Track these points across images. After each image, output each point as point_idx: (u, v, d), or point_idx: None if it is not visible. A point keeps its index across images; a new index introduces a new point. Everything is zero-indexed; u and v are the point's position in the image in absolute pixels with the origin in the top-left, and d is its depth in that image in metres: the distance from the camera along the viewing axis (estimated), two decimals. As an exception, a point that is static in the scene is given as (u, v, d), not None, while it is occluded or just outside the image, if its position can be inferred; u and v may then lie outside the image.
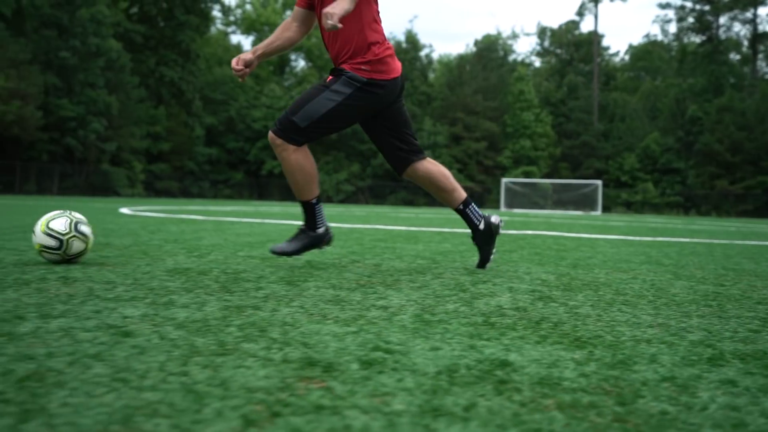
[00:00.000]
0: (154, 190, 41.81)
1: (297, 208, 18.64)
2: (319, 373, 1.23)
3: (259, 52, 3.02)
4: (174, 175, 43.92)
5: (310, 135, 2.81)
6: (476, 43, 51.59)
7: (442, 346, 1.47)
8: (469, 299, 2.20)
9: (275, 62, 56.04)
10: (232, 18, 56.09)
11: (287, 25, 3.06)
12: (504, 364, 1.33)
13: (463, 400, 1.09)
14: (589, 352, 1.47)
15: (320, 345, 1.45)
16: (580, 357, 1.42)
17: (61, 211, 2.83)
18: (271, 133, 2.83)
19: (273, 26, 55.09)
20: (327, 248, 3.14)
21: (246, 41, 59.33)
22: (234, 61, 2.97)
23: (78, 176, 36.65)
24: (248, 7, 55.98)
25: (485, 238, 3.12)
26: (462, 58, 49.71)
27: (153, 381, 1.14)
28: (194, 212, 11.50)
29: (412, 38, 46.70)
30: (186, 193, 43.67)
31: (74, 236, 2.74)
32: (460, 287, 2.50)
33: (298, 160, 2.82)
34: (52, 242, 2.71)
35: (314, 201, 2.97)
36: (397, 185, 44.14)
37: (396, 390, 1.13)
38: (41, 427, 0.91)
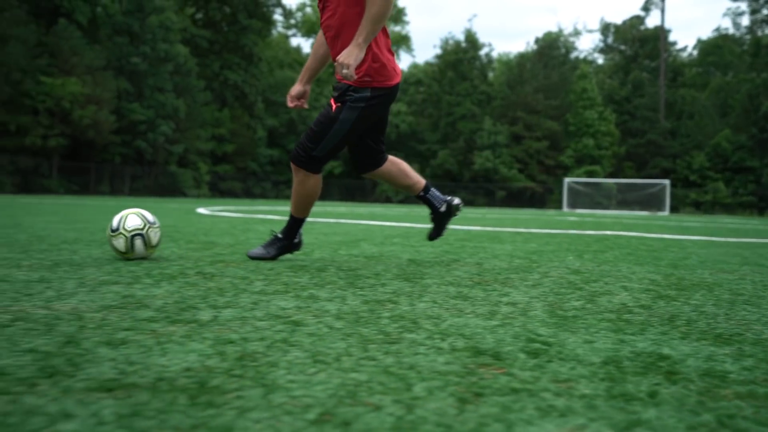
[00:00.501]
0: (218, 190, 42.98)
1: (364, 208, 18.87)
2: (492, 360, 1.33)
3: (305, 79, 3.17)
4: (237, 176, 45.04)
5: (327, 160, 2.99)
6: (537, 40, 50.89)
7: (593, 339, 1.55)
8: (589, 297, 2.26)
9: (331, 63, 56.60)
10: (292, 21, 57.07)
11: (321, 41, 3.12)
12: (662, 357, 1.40)
13: (644, 387, 1.17)
14: (738, 349, 1.52)
15: (477, 336, 1.55)
16: (732, 352, 1.47)
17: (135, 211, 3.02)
18: (293, 164, 2.99)
19: (333, 28, 55.70)
20: (296, 253, 3.35)
21: (306, 43, 60.20)
22: (289, 101, 3.15)
23: (147, 177, 38.03)
24: (308, 9, 56.81)
25: (441, 220, 3.35)
26: (522, 57, 49.13)
27: (350, 364, 1.26)
28: (266, 212, 11.82)
29: (471, 37, 46.44)
30: (249, 194, 44.70)
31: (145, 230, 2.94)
32: (574, 285, 2.56)
33: (315, 185, 3.04)
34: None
35: (303, 220, 3.17)
36: (456, 185, 43.96)
37: (575, 377, 1.22)
38: (284, 398, 1.04)
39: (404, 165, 3.24)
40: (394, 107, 45.32)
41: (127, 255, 2.90)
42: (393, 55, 2.99)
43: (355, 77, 2.71)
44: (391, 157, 3.21)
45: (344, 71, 2.64)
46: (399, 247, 4.25)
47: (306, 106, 3.16)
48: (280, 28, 56.33)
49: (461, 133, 44.15)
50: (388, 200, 43.74)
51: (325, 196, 47.23)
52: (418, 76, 48.40)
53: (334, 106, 2.91)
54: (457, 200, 3.35)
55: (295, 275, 2.59)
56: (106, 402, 0.99)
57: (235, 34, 44.99)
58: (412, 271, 2.85)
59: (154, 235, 2.97)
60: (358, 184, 47.22)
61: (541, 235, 6.33)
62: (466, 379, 1.18)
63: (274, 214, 10.96)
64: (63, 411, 0.95)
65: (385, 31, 2.94)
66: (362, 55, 2.68)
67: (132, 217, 2.93)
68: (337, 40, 2.86)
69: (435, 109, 45.90)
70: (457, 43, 46.62)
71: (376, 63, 2.84)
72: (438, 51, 48.86)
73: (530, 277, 2.80)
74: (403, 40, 58.35)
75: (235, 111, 44.59)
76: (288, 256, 3.33)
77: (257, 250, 3.16)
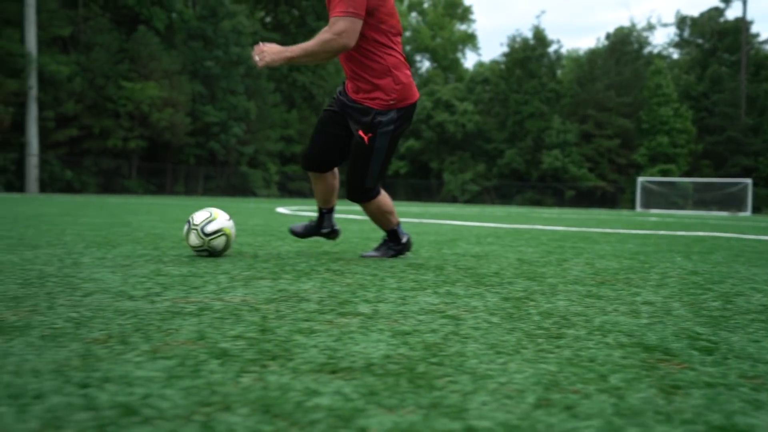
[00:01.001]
0: (286, 190, 43.89)
1: (435, 208, 18.88)
2: (666, 356, 1.36)
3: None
4: (305, 176, 45.77)
5: (378, 183, 3.10)
6: (608, 36, 49.55)
7: (758, 339, 1.56)
8: (725, 298, 2.24)
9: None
10: (359, 22, 57.54)
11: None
12: (838, 356, 1.40)
13: (842, 385, 1.18)
14: None
15: (636, 333, 1.59)
16: None
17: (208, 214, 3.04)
18: (355, 201, 3.13)
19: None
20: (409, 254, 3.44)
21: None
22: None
23: (220, 178, 39.22)
24: (374, 11, 57.18)
25: (313, 233, 3.43)
26: (593, 53, 47.95)
27: (531, 355, 1.33)
28: (345, 212, 12.02)
29: (539, 34, 45.71)
30: (316, 193, 45.37)
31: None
32: (700, 286, 2.54)
33: (379, 202, 3.16)
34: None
35: (395, 226, 3.29)
36: (523, 185, 43.40)
37: (762, 373, 1.25)
38: (494, 384, 1.11)
39: (337, 184, 3.32)
40: (461, 106, 45.13)
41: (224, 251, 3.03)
42: (409, 70, 3.02)
43: (259, 67, 2.78)
44: (336, 173, 3.27)
45: (257, 58, 2.76)
46: (498, 246, 4.28)
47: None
48: (346, 30, 56.93)
49: (529, 132, 43.51)
50: (454, 200, 43.61)
51: (393, 196, 47.51)
52: (485, 74, 47.97)
53: (365, 138, 2.94)
54: (337, 227, 3.45)
55: (419, 273, 2.68)
56: (337, 382, 1.09)
57: (303, 36, 45.73)
58: (529, 271, 2.89)
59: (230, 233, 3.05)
60: (424, 184, 47.28)
61: (632, 236, 6.23)
62: (653, 373, 1.23)
63: (354, 213, 11.14)
64: (308, 388, 1.05)
65: (400, 50, 2.95)
66: (280, 62, 2.75)
67: (221, 216, 3.03)
68: (347, 62, 2.94)
69: (502, 107, 45.41)
70: (525, 40, 45.96)
71: (398, 85, 2.90)
72: (505, 49, 48.18)
73: (650, 277, 2.80)
74: (469, 39, 58.01)
75: (303, 112, 45.42)
76: (407, 256, 3.41)
77: (372, 253, 3.34)
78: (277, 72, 44.14)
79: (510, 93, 44.73)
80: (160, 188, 35.74)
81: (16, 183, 28.06)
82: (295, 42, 46.17)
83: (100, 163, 32.23)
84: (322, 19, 46.66)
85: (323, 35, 2.75)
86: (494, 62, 50.31)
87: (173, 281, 2.19)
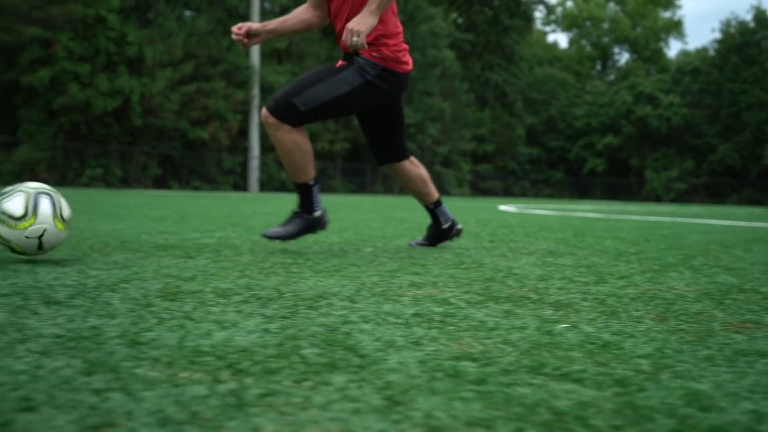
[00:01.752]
0: (478, 189, 44.09)
1: (634, 206, 17.88)
2: None
3: (269, 27, 2.83)
4: (497, 175, 45.73)
5: (307, 119, 2.64)
6: None
7: None
8: None
9: (597, 56, 54.54)
10: (552, 17, 56.14)
11: (305, 9, 2.87)
12: None
13: None
14: None
15: None
16: None
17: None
18: (264, 111, 2.64)
19: (596, 20, 53.69)
20: (321, 232, 2.89)
21: (562, 38, 58.74)
22: (236, 27, 2.77)
23: (415, 177, 40.52)
24: (569, 3, 55.38)
25: (440, 236, 3.16)
26: (827, 33, 42.11)
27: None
28: (551, 209, 11.85)
29: (761, 15, 41.16)
30: (508, 192, 45.09)
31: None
32: None
33: (295, 140, 2.65)
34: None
35: (311, 183, 2.77)
36: (740, 182, 39.39)
37: None
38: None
39: (426, 172, 3.08)
40: (665, 99, 42.11)
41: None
42: (406, 46, 2.76)
43: (366, 46, 2.48)
44: (414, 159, 3.02)
45: (354, 38, 2.43)
46: None
47: (247, 46, 2.79)
48: (538, 25, 55.84)
49: (747, 125, 39.38)
50: (657, 198, 40.81)
51: (588, 195, 45.65)
52: (693, 63, 44.26)
53: (338, 63, 2.67)
54: (460, 226, 3.19)
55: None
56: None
57: (496, 35, 45.70)
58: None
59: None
60: (623, 182, 44.82)
61: None
62: None
63: (553, 210, 10.95)
64: None
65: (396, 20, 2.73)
66: (375, 22, 2.46)
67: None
68: (344, 11, 2.68)
69: (714, 98, 41.57)
70: (742, 24, 41.66)
71: (390, 42, 2.65)
72: (717, 35, 44.15)
73: None
74: (675, 26, 53.90)
75: (495, 111, 45.34)
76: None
77: (274, 229, 2.76)
78: (469, 72, 44.54)
79: (724, 82, 40.82)
80: (360, 187, 37.80)
81: (240, 183, 31.34)
82: (487, 42, 46.22)
83: (309, 164, 34.88)
84: (516, 15, 46.21)
85: None
86: (702, 50, 46.27)
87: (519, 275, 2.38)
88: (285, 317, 1.39)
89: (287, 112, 2.58)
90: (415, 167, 3.00)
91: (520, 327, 1.35)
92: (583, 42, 55.21)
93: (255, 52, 30.13)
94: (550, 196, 46.00)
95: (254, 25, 2.79)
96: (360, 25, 2.41)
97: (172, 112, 28.26)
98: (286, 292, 1.71)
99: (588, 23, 53.54)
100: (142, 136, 28.38)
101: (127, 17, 28.31)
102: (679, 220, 8.43)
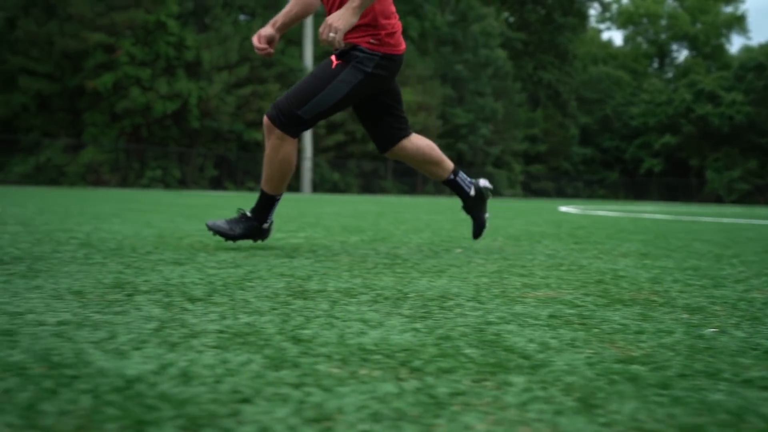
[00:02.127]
0: (530, 190, 43.52)
1: (696, 207, 17.30)
2: None
3: (278, 24, 2.75)
4: (549, 176, 45.05)
5: (310, 125, 2.58)
6: None
7: None
8: None
9: (654, 54, 53.13)
10: (607, 14, 55.00)
11: None
12: None
13: None
14: None
15: None
16: None
17: None
18: (267, 120, 2.58)
19: (653, 17, 52.33)
20: (259, 242, 2.82)
21: (617, 35, 57.45)
22: (255, 39, 2.70)
23: (466, 177, 40.28)
24: (624, 0, 54.17)
25: (478, 205, 2.97)
26: None
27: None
28: (613, 210, 11.59)
29: (831, 9, 39.38)
30: (561, 193, 44.36)
31: None
32: None
33: (289, 153, 2.60)
34: None
35: (277, 197, 2.72)
36: (808, 183, 37.77)
37: None
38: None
39: (432, 142, 2.84)
40: (727, 96, 40.73)
41: None
42: (400, 26, 2.64)
43: (343, 45, 2.37)
44: (418, 135, 2.82)
45: (331, 35, 2.30)
46: None
47: (272, 53, 2.74)
48: (593, 23, 54.78)
49: (816, 123, 37.77)
50: (718, 199, 39.50)
51: (644, 196, 44.50)
52: (757, 59, 42.65)
53: (334, 63, 2.56)
54: (483, 181, 2.98)
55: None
56: None
57: (549, 33, 45.07)
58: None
59: None
60: (682, 182, 43.54)
61: None
62: None
63: (617, 211, 10.70)
64: None
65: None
66: (355, 20, 2.35)
67: None
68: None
69: (780, 96, 40.00)
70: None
71: (387, 24, 2.54)
72: (783, 29, 42.29)
73: None
74: (737, 21, 52.08)
75: (548, 110, 44.68)
76: None
77: (220, 223, 2.70)
78: (522, 71, 44.01)
79: (791, 79, 39.23)
80: (411, 188, 37.80)
81: (294, 184, 31.75)
82: (540, 40, 45.62)
83: (361, 165, 35.06)
84: (570, 13, 45.45)
85: None
86: (767, 45, 44.56)
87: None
88: (424, 317, 1.40)
89: (292, 124, 2.55)
90: (420, 139, 2.84)
91: (666, 330, 1.33)
92: (639, 39, 53.85)
93: (308, 53, 30.47)
94: (605, 197, 45.05)
95: (266, 30, 2.75)
96: (339, 22, 2.32)
97: (228, 114, 28.86)
98: (409, 293, 1.72)
99: (645, 20, 52.21)
100: (199, 138, 29.07)
101: (186, 22, 29.04)
102: (755, 221, 8.13)
